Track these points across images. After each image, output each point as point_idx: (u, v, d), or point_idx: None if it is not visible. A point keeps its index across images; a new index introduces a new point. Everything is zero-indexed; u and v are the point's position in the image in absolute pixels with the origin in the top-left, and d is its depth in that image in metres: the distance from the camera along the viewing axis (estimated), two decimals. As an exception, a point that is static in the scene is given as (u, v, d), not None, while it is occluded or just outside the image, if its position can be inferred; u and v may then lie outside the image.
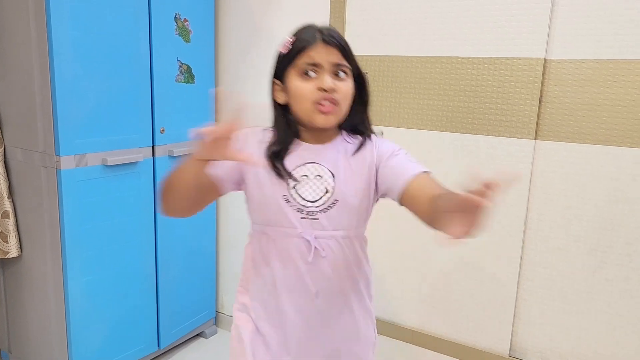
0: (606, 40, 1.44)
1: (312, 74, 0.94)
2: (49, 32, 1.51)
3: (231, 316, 2.34)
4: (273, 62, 1.02)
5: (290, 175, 0.97)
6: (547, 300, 1.62)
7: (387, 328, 1.87)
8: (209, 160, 0.87)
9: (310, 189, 0.97)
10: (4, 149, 1.74)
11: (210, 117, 2.15)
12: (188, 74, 1.99)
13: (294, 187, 0.97)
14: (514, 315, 1.67)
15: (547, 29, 1.50)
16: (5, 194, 1.72)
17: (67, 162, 1.59)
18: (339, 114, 0.97)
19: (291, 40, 0.98)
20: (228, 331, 2.34)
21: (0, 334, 1.96)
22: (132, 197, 1.82)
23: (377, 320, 1.16)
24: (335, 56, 0.95)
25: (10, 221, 1.73)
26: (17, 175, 1.73)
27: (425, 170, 0.96)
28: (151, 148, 1.87)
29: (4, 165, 1.73)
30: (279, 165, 0.97)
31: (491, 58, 1.60)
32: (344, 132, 1.04)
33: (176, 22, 1.91)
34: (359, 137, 1.04)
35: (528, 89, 1.55)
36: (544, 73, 1.53)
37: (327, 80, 0.93)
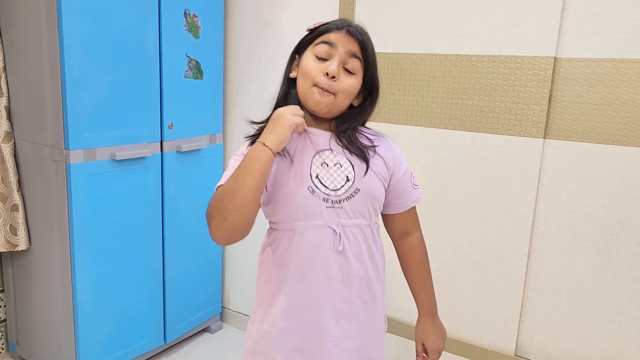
0: (617, 39, 1.43)
1: (325, 56, 0.95)
2: (59, 27, 1.52)
3: (237, 312, 2.35)
4: (299, 40, 1.03)
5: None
6: (554, 299, 1.62)
7: (392, 325, 1.87)
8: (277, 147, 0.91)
9: (331, 177, 0.97)
10: (14, 142, 1.75)
11: (219, 113, 2.16)
12: (197, 70, 2.00)
13: (316, 177, 0.97)
14: (520, 314, 1.67)
15: (557, 27, 1.50)
16: (14, 187, 1.73)
17: (76, 156, 1.60)
18: (331, 104, 0.96)
19: (320, 22, 1.00)
20: (233, 327, 2.36)
21: (9, 326, 1.98)
22: (140, 192, 1.83)
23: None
24: (353, 45, 0.95)
25: (20, 214, 1.74)
26: (26, 168, 1.74)
27: (417, 199, 1.10)
28: (159, 143, 1.88)
29: (13, 158, 1.75)
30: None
31: (501, 56, 1.59)
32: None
33: (185, 18, 1.91)
34: (368, 133, 1.05)
35: (538, 87, 1.55)
36: (553, 72, 1.52)
37: (333, 65, 0.94)
